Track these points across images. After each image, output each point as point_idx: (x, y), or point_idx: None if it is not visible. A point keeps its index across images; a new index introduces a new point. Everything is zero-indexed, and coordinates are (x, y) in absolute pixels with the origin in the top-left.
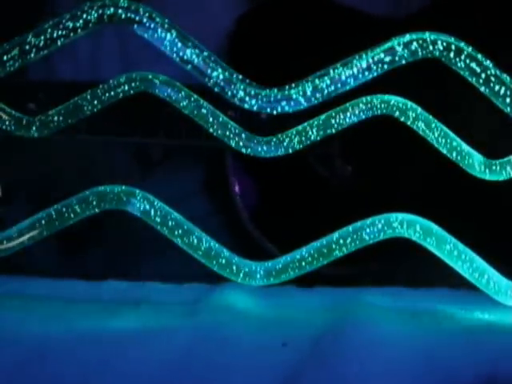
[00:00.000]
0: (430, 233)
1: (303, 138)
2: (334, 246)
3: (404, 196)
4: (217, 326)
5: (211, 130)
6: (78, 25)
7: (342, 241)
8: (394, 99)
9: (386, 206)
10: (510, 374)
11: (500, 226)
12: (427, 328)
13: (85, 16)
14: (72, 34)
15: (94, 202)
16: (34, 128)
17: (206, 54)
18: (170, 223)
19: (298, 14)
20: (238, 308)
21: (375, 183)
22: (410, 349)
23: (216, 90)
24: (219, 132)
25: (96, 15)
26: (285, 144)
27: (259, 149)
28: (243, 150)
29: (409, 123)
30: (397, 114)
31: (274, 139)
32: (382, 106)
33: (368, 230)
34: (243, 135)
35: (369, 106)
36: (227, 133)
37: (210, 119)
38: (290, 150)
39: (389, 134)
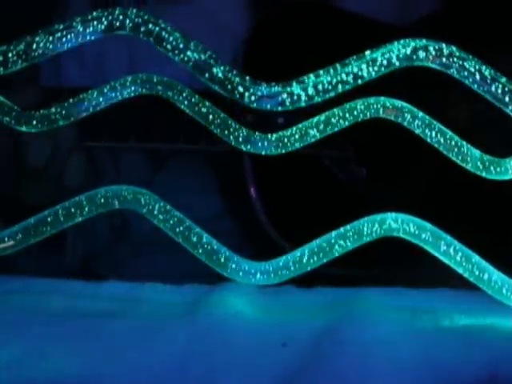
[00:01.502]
0: (424, 229)
1: (304, 136)
2: (333, 242)
3: (418, 198)
4: (217, 326)
5: (211, 127)
6: (88, 30)
7: (341, 240)
8: (389, 101)
9: (400, 209)
10: (511, 375)
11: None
12: (427, 328)
13: (95, 23)
14: (81, 39)
15: (102, 200)
16: (34, 122)
17: (207, 53)
18: (171, 221)
19: (310, 22)
20: (237, 308)
21: (390, 186)
22: (410, 349)
23: (216, 87)
24: (218, 130)
25: (106, 23)
26: (285, 141)
27: (259, 145)
28: (242, 147)
29: (405, 124)
30: (393, 116)
31: (275, 136)
32: (378, 106)
33: (366, 228)
34: (243, 132)
35: (366, 106)
36: (226, 131)
37: (210, 117)
38: (290, 148)
39: (403, 137)
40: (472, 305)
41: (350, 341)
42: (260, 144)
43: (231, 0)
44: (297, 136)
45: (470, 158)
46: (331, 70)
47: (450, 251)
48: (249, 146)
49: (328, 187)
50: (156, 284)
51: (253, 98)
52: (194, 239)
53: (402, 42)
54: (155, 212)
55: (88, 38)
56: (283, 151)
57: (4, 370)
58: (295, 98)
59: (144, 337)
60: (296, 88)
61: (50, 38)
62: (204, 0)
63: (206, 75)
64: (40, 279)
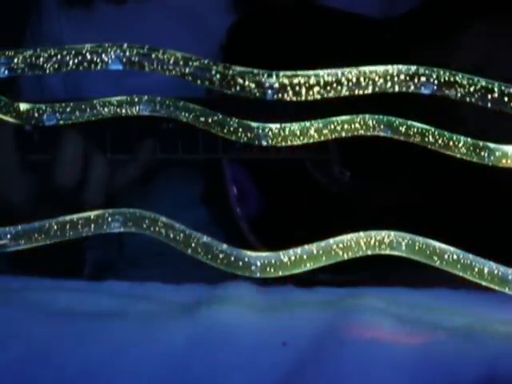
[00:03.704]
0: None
1: (303, 133)
2: (331, 243)
3: (405, 200)
4: (217, 325)
5: (211, 129)
6: (95, 59)
7: (341, 244)
8: (386, 119)
9: (385, 212)
10: (510, 375)
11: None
12: (427, 328)
13: (103, 56)
14: (86, 65)
15: (109, 219)
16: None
17: (205, 61)
18: (171, 234)
19: (290, 20)
20: (237, 308)
21: (374, 189)
22: (409, 349)
23: (216, 86)
24: (218, 129)
25: (113, 56)
26: (286, 133)
27: (259, 133)
28: (243, 137)
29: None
30: (389, 132)
31: (274, 128)
32: (374, 122)
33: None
34: (242, 124)
35: (362, 122)
36: (225, 130)
37: (209, 120)
38: (290, 141)
39: (388, 139)
40: (472, 305)
41: (350, 341)
42: (261, 133)
43: (213, 1)
44: (297, 131)
45: (474, 154)
46: (332, 71)
47: (444, 258)
48: (249, 135)
49: (311, 192)
50: (156, 284)
51: (253, 85)
52: (193, 244)
53: (395, 67)
54: (157, 228)
55: (93, 67)
56: (283, 144)
57: (4, 369)
58: (296, 88)
59: (144, 337)
60: (298, 79)
61: (59, 57)
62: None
63: (207, 79)
64: (40, 279)
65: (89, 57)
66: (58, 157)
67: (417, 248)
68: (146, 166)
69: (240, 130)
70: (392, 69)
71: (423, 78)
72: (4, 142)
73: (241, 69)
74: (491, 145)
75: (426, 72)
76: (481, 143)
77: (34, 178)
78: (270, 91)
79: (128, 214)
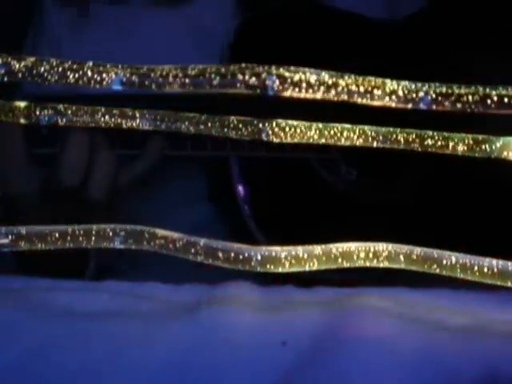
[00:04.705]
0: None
1: (303, 132)
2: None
3: (410, 199)
4: (217, 325)
5: (213, 132)
6: (96, 77)
7: (341, 249)
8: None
9: (392, 210)
10: (511, 375)
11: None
12: (427, 327)
13: (104, 75)
14: (85, 80)
15: (110, 234)
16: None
17: (200, 67)
18: (170, 244)
19: (296, 21)
20: (237, 308)
21: (380, 187)
22: (410, 348)
23: (219, 88)
24: (219, 129)
25: (114, 76)
26: (286, 130)
27: (260, 128)
28: (244, 133)
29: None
30: (388, 143)
31: (274, 123)
32: (373, 133)
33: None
34: (242, 121)
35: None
36: (225, 129)
37: (209, 124)
38: (290, 139)
39: None
40: (472, 305)
41: (350, 340)
42: (261, 127)
43: (218, 3)
44: (298, 129)
45: (475, 148)
46: (333, 73)
47: (442, 263)
48: (250, 129)
49: (318, 190)
50: (156, 284)
51: (253, 79)
52: (193, 250)
53: (394, 82)
54: (157, 241)
55: (92, 84)
56: (284, 140)
57: (4, 369)
58: (296, 85)
59: (144, 337)
60: (298, 75)
61: (60, 69)
62: (190, 3)
63: (207, 84)
64: (40, 279)
65: (89, 74)
66: (65, 151)
67: (415, 258)
68: (154, 163)
69: (240, 125)
70: (391, 84)
71: (421, 94)
72: (11, 135)
73: (240, 65)
74: (491, 137)
75: (424, 88)
76: (480, 137)
77: (40, 172)
78: (270, 86)
79: (129, 230)
